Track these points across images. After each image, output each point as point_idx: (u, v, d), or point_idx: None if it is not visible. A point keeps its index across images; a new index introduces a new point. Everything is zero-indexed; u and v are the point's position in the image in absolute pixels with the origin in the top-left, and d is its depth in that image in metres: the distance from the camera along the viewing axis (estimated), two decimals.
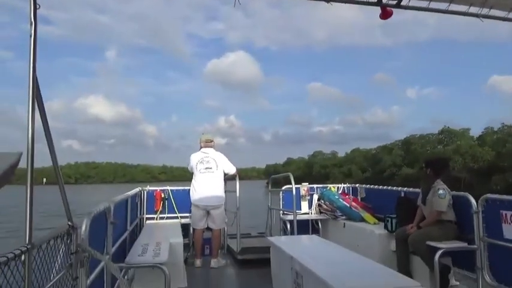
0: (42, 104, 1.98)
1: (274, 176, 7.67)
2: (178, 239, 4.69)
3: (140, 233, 5.18)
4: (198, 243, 5.58)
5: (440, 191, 4.29)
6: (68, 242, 2.34)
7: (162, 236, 4.76)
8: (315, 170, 76.02)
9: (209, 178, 5.52)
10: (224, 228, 5.92)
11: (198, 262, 5.47)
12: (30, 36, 1.86)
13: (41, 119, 1.98)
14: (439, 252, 3.97)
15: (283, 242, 4.21)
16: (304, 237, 4.95)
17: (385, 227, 5.01)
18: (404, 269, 4.39)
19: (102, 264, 2.87)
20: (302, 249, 3.91)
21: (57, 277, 2.10)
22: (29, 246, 1.70)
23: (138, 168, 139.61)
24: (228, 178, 5.84)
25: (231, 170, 5.67)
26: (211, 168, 5.54)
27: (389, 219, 4.94)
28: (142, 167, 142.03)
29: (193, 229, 5.73)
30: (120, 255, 3.87)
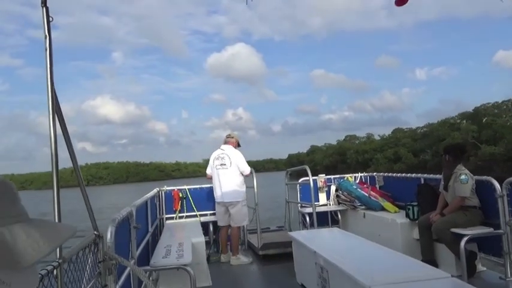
0: (62, 116, 1.98)
1: (291, 169, 7.63)
2: (200, 238, 4.71)
3: (161, 234, 5.22)
4: (222, 240, 5.65)
5: (462, 176, 4.21)
6: (96, 251, 2.36)
7: (183, 235, 4.78)
8: (350, 156, 65.21)
9: (223, 174, 5.53)
10: (244, 225, 5.91)
11: (222, 258, 5.54)
12: (46, 49, 1.85)
13: (62, 131, 1.98)
14: (464, 239, 3.91)
15: (305, 237, 4.19)
16: (326, 231, 4.93)
17: (407, 215, 4.95)
18: (429, 257, 4.35)
19: (128, 269, 2.89)
20: (325, 243, 3.89)
21: (88, 287, 2.12)
22: (60, 261, 1.70)
23: (151, 166, 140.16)
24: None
25: (245, 170, 5.59)
26: (225, 164, 5.54)
27: (411, 207, 4.87)
28: (154, 165, 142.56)
29: (219, 226, 5.77)
30: (144, 257, 3.90)
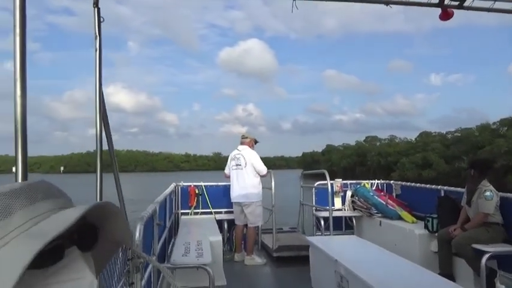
0: (106, 111, 2.00)
1: (307, 172, 7.61)
2: (217, 237, 4.72)
3: (178, 230, 5.25)
4: (237, 239, 5.67)
5: (487, 193, 4.15)
6: (125, 249, 2.38)
7: (200, 233, 4.80)
8: (371, 159, 59.55)
9: (238, 175, 5.54)
10: (259, 225, 5.92)
11: (236, 257, 5.57)
12: (96, 50, 1.87)
13: (104, 125, 2.01)
14: (486, 256, 3.86)
15: (324, 243, 4.17)
16: (345, 238, 4.90)
17: (426, 226, 4.90)
18: (447, 271, 4.31)
19: (150, 266, 2.91)
20: (345, 251, 3.86)
21: (120, 285, 2.14)
22: None
23: (160, 157, 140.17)
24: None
25: (261, 171, 5.56)
26: (240, 165, 5.55)
27: (430, 219, 4.82)
28: (164, 155, 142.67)
29: (235, 224, 5.80)
30: (162, 253, 3.94)
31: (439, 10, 2.63)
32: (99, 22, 1.88)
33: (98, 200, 1.96)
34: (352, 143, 79.15)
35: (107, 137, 2.10)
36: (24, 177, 1.09)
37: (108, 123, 2.04)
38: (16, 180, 1.10)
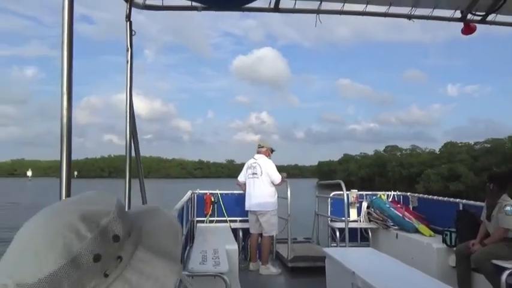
0: (134, 120, 2.07)
1: (323, 182, 7.60)
2: (234, 246, 4.74)
3: (195, 238, 5.29)
4: (252, 248, 5.68)
5: (508, 208, 4.09)
6: None
7: (216, 241, 4.83)
8: (391, 169, 57.24)
9: (254, 184, 5.56)
10: (274, 235, 5.91)
11: (251, 266, 5.57)
12: (127, 62, 1.93)
13: (132, 132, 2.07)
14: (506, 272, 3.79)
15: (340, 255, 4.15)
16: (362, 250, 4.86)
17: (444, 240, 4.84)
18: (466, 287, 4.24)
19: None
20: (362, 263, 3.84)
21: None
22: None
23: (173, 163, 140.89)
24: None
25: (275, 179, 5.54)
26: (256, 173, 5.57)
27: (449, 233, 4.76)
28: (177, 161, 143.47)
29: (250, 233, 5.80)
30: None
31: (460, 24, 2.64)
32: (131, 35, 1.95)
33: (127, 206, 2.02)
34: (367, 152, 77.52)
35: (134, 146, 2.17)
36: (68, 182, 1.16)
37: (136, 132, 2.11)
38: (60, 183, 1.16)
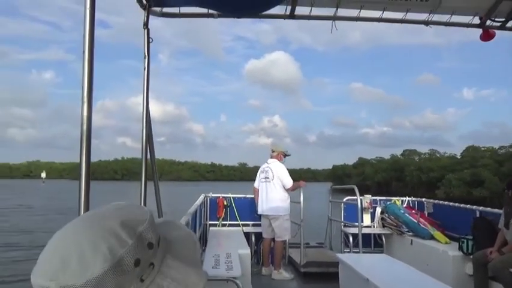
0: (151, 130, 2.10)
1: (336, 187, 7.55)
2: (246, 250, 4.74)
3: (207, 241, 5.30)
4: (264, 252, 5.66)
5: None
6: None
7: (229, 245, 4.84)
8: (409, 174, 54.93)
9: (266, 188, 5.56)
10: (286, 240, 5.89)
11: (263, 270, 5.56)
12: (144, 69, 1.96)
13: (149, 144, 2.10)
14: None
15: (355, 261, 4.11)
16: (376, 257, 4.81)
17: (460, 248, 4.75)
18: None
19: None
20: (377, 270, 3.80)
21: None
22: None
23: (186, 166, 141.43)
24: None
25: (286, 184, 5.51)
26: (268, 178, 5.57)
27: (465, 241, 4.68)
28: (189, 164, 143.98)
29: (263, 238, 5.79)
30: None
31: (478, 30, 2.60)
32: (148, 43, 1.97)
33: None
34: (383, 156, 75.21)
35: (150, 150, 2.20)
36: (87, 183, 1.19)
37: (152, 136, 2.14)
38: (80, 185, 1.19)
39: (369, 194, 6.75)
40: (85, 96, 1.17)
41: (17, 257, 10.60)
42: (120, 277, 0.50)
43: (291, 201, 5.71)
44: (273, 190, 5.52)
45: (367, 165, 73.06)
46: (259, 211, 5.67)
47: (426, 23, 2.38)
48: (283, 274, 5.38)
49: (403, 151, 70.98)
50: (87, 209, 1.20)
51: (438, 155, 62.53)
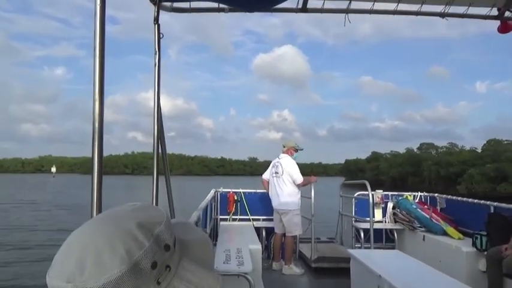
0: (162, 125, 2.09)
1: (348, 182, 7.50)
2: (257, 245, 4.74)
3: (218, 236, 5.32)
4: (275, 247, 5.67)
5: None
6: None
7: (240, 240, 4.84)
8: (427, 168, 51.74)
9: (277, 183, 5.55)
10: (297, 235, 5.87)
11: (274, 265, 5.56)
12: (155, 65, 1.95)
13: (158, 130, 2.10)
14: None
15: (366, 257, 4.08)
16: (388, 252, 4.77)
17: (474, 244, 4.68)
18: None
19: None
20: (389, 266, 3.76)
21: None
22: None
23: (195, 160, 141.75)
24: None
25: (296, 179, 5.47)
26: (278, 173, 5.57)
27: (479, 237, 4.60)
28: (199, 158, 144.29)
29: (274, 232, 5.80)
30: None
31: (496, 21, 2.53)
32: (159, 38, 1.96)
33: (154, 203, 2.06)
34: (396, 150, 72.75)
35: (161, 145, 2.20)
36: (99, 180, 1.18)
37: (163, 132, 2.14)
38: (92, 180, 1.19)
39: (382, 189, 6.70)
40: (96, 93, 1.16)
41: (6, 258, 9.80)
42: (137, 280, 0.49)
43: (302, 196, 5.69)
44: (283, 185, 5.50)
45: (381, 160, 70.66)
46: (273, 206, 5.67)
47: (442, 15, 2.32)
48: (294, 269, 5.38)
49: (420, 145, 68.05)
50: (99, 204, 1.19)
51: (457, 149, 59.68)
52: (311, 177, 5.70)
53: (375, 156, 76.00)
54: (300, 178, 5.49)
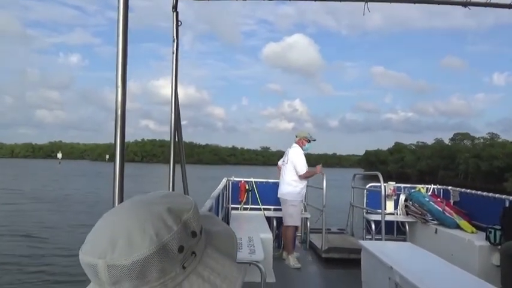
0: (179, 114, 2.09)
1: (360, 173, 7.47)
2: (268, 234, 4.77)
3: (229, 225, 5.35)
4: (283, 237, 5.68)
5: None
6: None
7: (251, 229, 4.88)
8: (464, 162, 47.04)
9: (283, 171, 5.57)
10: (298, 226, 5.80)
11: (284, 254, 5.58)
12: (173, 52, 1.95)
13: (177, 128, 2.11)
14: None
15: (377, 248, 4.07)
16: (399, 245, 4.76)
17: (487, 238, 4.64)
18: (510, 287, 4.06)
19: None
20: (400, 258, 3.75)
21: None
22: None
23: (206, 149, 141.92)
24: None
25: (298, 170, 5.34)
26: (284, 161, 5.58)
27: (493, 231, 4.56)
28: (210, 147, 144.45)
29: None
30: None
31: None
32: (177, 26, 1.95)
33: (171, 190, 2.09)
34: (423, 141, 68.08)
35: (177, 133, 2.21)
36: (121, 164, 1.20)
37: (180, 121, 2.14)
38: (114, 166, 1.21)
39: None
40: (119, 81, 1.17)
41: None
42: (164, 262, 0.51)
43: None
44: (286, 174, 5.49)
45: (405, 151, 65.74)
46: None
47: (464, 4, 2.26)
48: (290, 261, 5.30)
49: (454, 134, 63.07)
50: (121, 190, 1.22)
51: (499, 140, 53.28)
52: (317, 167, 5.60)
53: (398, 148, 71.19)
54: (302, 169, 5.36)
